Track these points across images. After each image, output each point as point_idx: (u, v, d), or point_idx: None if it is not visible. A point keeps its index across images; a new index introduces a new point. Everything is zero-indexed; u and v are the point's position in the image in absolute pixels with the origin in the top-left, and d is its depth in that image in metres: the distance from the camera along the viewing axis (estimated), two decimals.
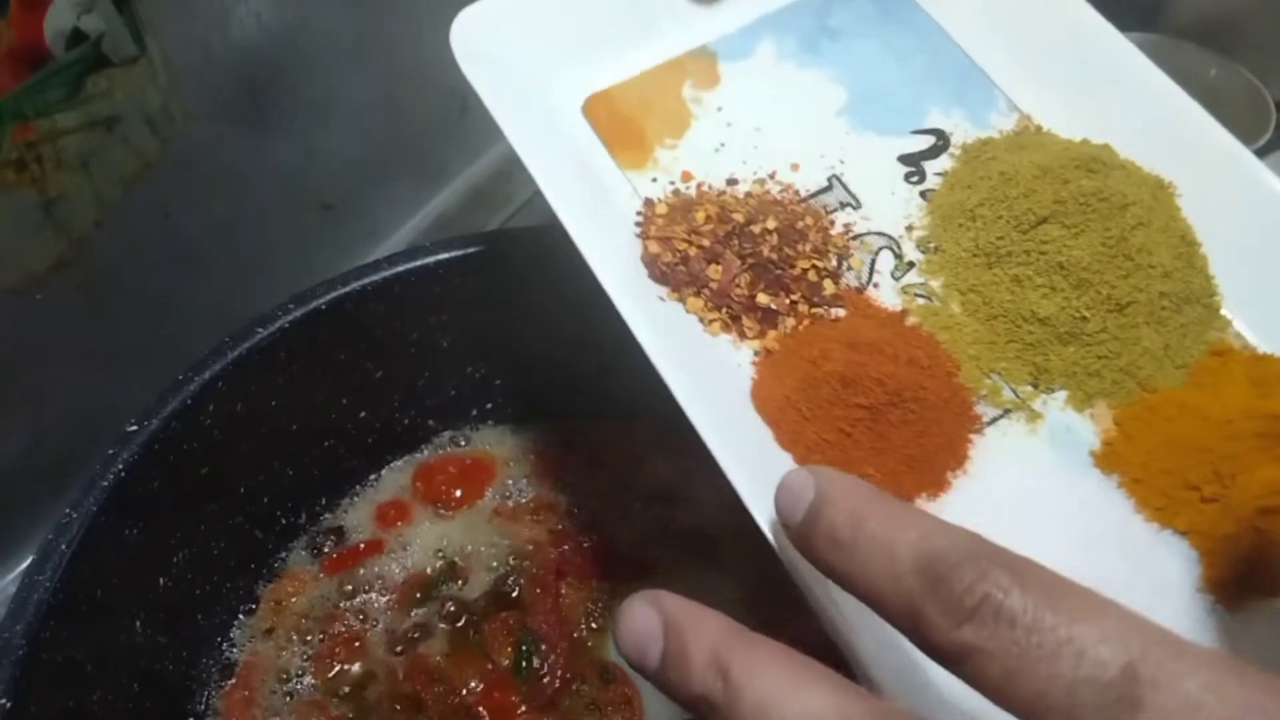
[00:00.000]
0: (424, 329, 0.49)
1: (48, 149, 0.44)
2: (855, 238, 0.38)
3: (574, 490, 0.51)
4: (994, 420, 0.35)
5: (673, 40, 0.41)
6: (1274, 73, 0.66)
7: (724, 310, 0.35)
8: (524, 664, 0.46)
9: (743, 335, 0.35)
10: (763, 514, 0.29)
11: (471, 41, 0.37)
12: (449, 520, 0.51)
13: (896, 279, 0.37)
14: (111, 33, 0.44)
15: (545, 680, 0.45)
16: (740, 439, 0.32)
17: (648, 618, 0.23)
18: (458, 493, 0.51)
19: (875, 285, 0.37)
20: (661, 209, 0.37)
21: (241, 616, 0.48)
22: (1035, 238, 0.36)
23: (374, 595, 0.48)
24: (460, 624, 0.47)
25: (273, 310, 0.44)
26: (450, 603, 0.48)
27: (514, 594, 0.48)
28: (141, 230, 0.50)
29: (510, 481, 0.52)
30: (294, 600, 0.48)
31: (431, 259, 0.47)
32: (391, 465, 0.53)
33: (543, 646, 0.46)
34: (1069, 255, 0.35)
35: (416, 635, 0.47)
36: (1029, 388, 0.35)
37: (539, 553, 0.49)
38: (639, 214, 0.37)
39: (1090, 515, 0.33)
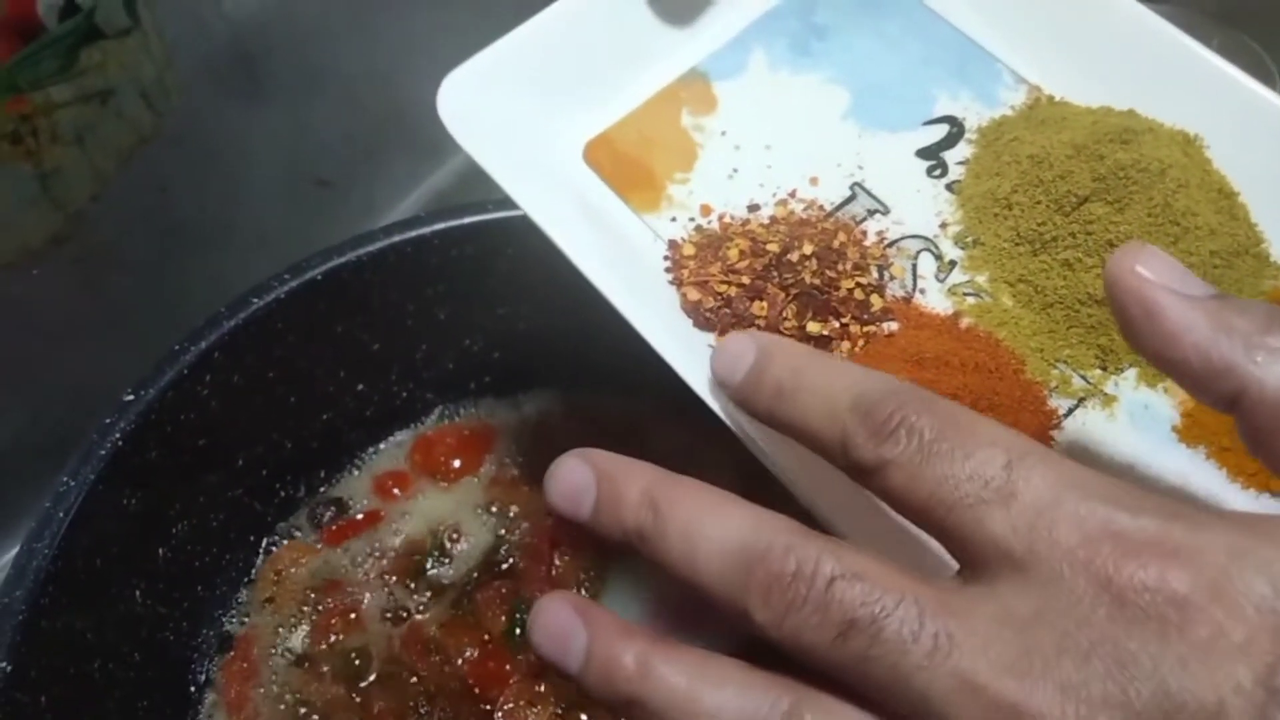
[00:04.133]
0: (421, 300, 0.49)
1: (42, 122, 0.44)
2: (891, 244, 0.36)
3: None
4: (1070, 412, 0.34)
5: (660, 69, 0.39)
6: (1278, 41, 0.65)
7: None
8: (517, 632, 0.46)
9: None
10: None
11: (460, 111, 0.35)
12: (447, 491, 0.51)
13: (941, 280, 0.36)
14: (104, 5, 0.44)
15: None
16: (826, 481, 0.30)
17: (580, 470, 0.26)
18: (456, 464, 0.51)
19: (922, 291, 0.35)
20: (688, 250, 0.35)
21: (241, 588, 0.49)
22: (1079, 219, 0.34)
23: (372, 566, 0.49)
24: (455, 594, 0.47)
25: (268, 281, 0.44)
26: (446, 573, 0.48)
27: (508, 563, 0.48)
28: (137, 204, 0.50)
29: (508, 453, 0.52)
30: (293, 571, 0.49)
31: (428, 229, 0.46)
32: (390, 437, 0.53)
33: None
34: (1117, 231, 0.34)
35: (413, 605, 0.47)
36: (1098, 371, 0.34)
37: (534, 523, 0.49)
38: (666, 258, 0.35)
39: (1184, 492, 0.33)
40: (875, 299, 0.35)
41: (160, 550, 0.44)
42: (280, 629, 0.47)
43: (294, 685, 0.46)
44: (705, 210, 0.37)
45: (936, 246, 0.37)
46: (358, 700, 0.45)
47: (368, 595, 0.48)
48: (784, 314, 0.34)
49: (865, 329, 0.34)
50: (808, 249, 0.35)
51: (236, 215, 0.55)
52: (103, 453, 0.40)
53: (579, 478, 0.26)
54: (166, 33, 0.47)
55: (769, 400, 0.26)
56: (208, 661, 0.47)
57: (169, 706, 0.45)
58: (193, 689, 0.46)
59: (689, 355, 0.32)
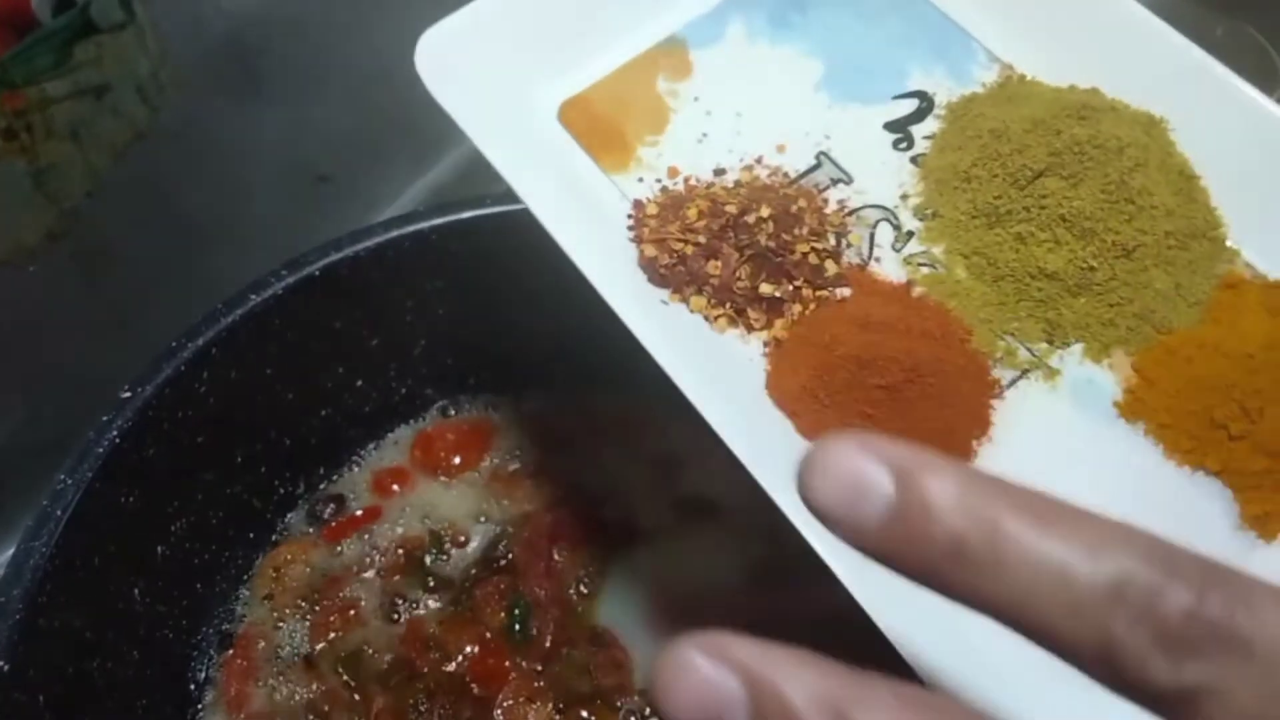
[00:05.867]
0: (420, 296, 0.49)
1: (37, 118, 0.44)
2: (851, 213, 0.37)
3: (571, 457, 0.51)
4: (1013, 382, 0.34)
5: (639, 34, 0.40)
6: None
7: (728, 305, 0.35)
8: (516, 628, 0.46)
9: (750, 328, 0.35)
10: (792, 507, 0.29)
11: (437, 65, 0.36)
12: (447, 487, 0.51)
13: (898, 250, 0.37)
14: None
15: (537, 644, 0.45)
16: (761, 434, 0.31)
17: (719, 676, 0.17)
18: (456, 460, 0.51)
19: (877, 260, 0.36)
20: (652, 209, 0.36)
21: (241, 585, 0.49)
22: (1034, 193, 0.35)
23: (371, 563, 0.49)
24: (455, 590, 0.47)
25: (266, 277, 0.44)
26: (446, 569, 0.48)
27: (507, 559, 0.48)
28: (133, 201, 0.50)
29: (508, 448, 0.52)
30: (292, 568, 0.48)
31: (427, 224, 0.46)
32: (390, 433, 0.53)
33: (534, 611, 0.46)
34: (1070, 206, 0.34)
35: (412, 602, 0.47)
36: (1044, 345, 0.35)
37: (534, 518, 0.49)
38: (629, 217, 0.36)
39: (1120, 466, 0.33)
40: (830, 264, 0.35)
41: (159, 548, 0.44)
42: (280, 626, 0.47)
43: (294, 682, 0.46)
44: (672, 172, 0.38)
45: (896, 217, 0.37)
46: (358, 697, 0.45)
47: (367, 592, 0.48)
48: (738, 274, 0.35)
49: (818, 293, 0.35)
50: (765, 212, 0.35)
51: (234, 211, 0.55)
52: (100, 450, 0.40)
53: (719, 684, 0.17)
54: (162, 27, 0.47)
55: (946, 564, 0.17)
56: (207, 659, 0.47)
57: (168, 705, 0.45)
58: (192, 687, 0.46)
59: (641, 309, 0.33)
